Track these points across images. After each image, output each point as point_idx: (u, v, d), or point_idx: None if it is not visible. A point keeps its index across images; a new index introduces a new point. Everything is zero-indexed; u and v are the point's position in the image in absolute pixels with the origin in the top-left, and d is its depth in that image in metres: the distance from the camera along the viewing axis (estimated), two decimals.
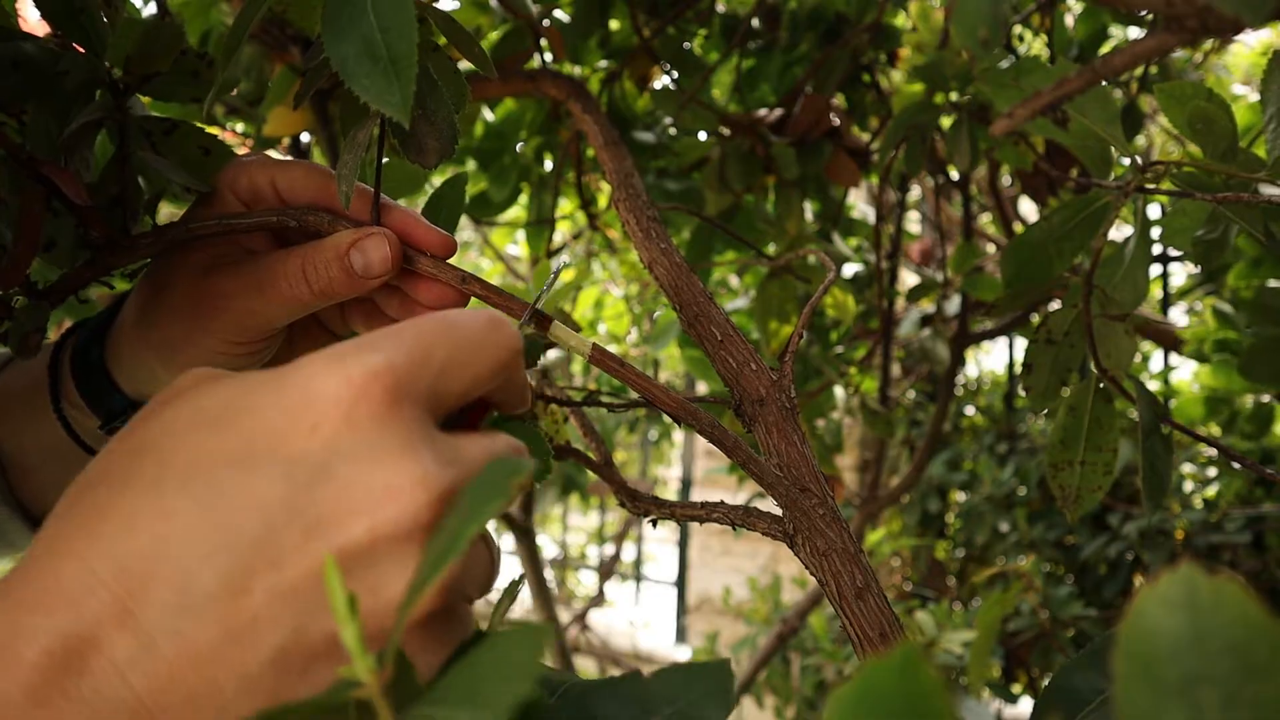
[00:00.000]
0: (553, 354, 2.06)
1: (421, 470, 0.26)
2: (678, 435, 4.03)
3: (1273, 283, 1.02)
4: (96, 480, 0.27)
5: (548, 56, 1.09)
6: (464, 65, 0.50)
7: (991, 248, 1.90)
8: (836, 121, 1.13)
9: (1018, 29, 1.32)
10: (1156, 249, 2.19)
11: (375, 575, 0.26)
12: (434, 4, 0.43)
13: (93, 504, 0.26)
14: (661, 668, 0.30)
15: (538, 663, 0.21)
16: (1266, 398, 1.50)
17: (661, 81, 1.22)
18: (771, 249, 1.20)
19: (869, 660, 0.18)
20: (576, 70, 1.28)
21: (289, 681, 0.25)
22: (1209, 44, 1.61)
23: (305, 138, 1.21)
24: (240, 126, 1.28)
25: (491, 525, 0.30)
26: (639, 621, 4.40)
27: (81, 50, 0.46)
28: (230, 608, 0.24)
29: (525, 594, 2.22)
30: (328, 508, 0.25)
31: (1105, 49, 1.29)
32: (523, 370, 0.33)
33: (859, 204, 2.90)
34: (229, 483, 0.25)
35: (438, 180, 1.51)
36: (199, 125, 0.51)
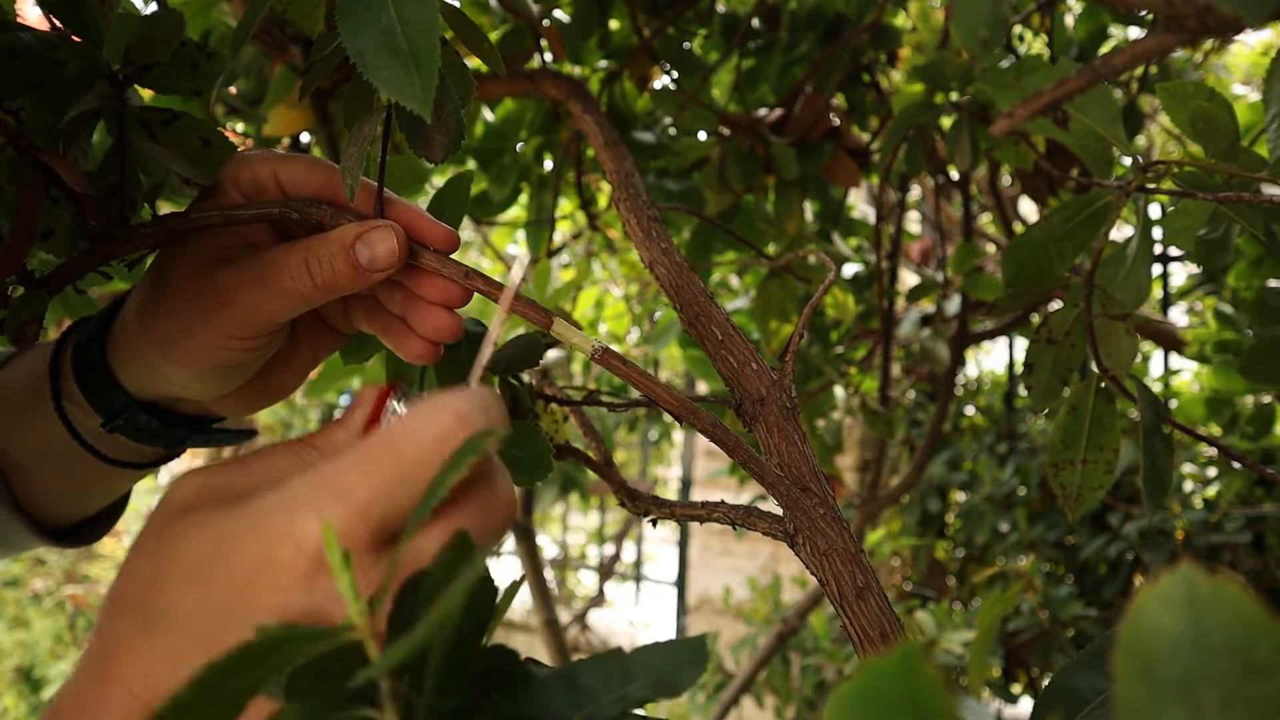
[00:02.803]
0: (553, 354, 2.06)
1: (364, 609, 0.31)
2: (678, 435, 4.03)
3: (1273, 283, 1.02)
4: (122, 611, 0.33)
5: (548, 56, 1.09)
6: (467, 61, 0.50)
7: (991, 248, 1.90)
8: (836, 121, 1.13)
9: (1018, 29, 1.32)
10: (1157, 249, 2.19)
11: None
12: None
13: (124, 636, 0.33)
14: (643, 644, 0.32)
15: None
16: (1268, 398, 1.50)
17: (661, 81, 1.22)
18: (771, 249, 1.20)
19: (869, 660, 0.18)
20: (576, 70, 1.28)
21: None
22: (1209, 44, 1.61)
23: (305, 137, 1.21)
24: (240, 126, 1.29)
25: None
26: (639, 621, 4.40)
27: (79, 40, 0.46)
28: None
29: (525, 594, 2.22)
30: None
31: (1105, 49, 1.29)
32: (500, 484, 0.35)
33: (859, 204, 2.90)
34: (221, 632, 0.31)
35: (438, 180, 1.51)
36: (199, 117, 0.51)
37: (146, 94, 0.51)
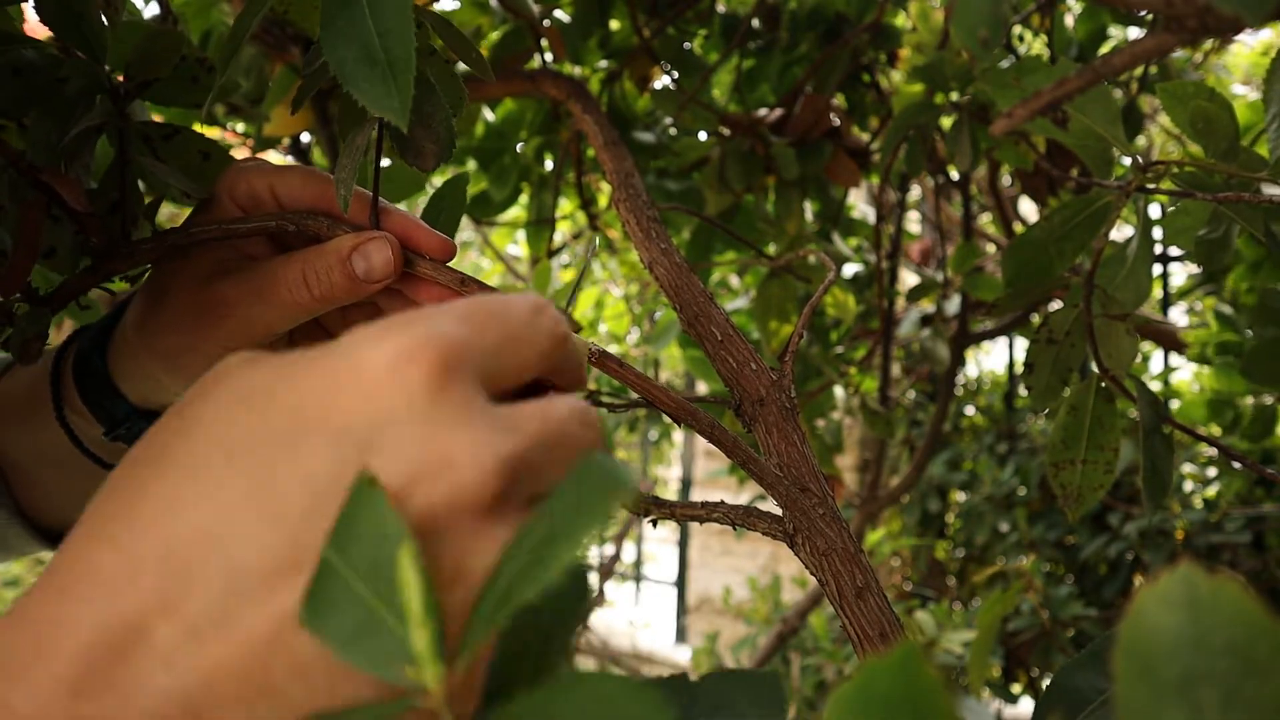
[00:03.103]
0: None
1: (480, 438, 0.24)
2: (678, 435, 4.03)
3: (1274, 285, 1.02)
4: (139, 462, 0.25)
5: (548, 56, 1.09)
6: (461, 67, 0.50)
7: (991, 248, 1.90)
8: (836, 121, 1.13)
9: (1018, 29, 1.32)
10: (1157, 249, 2.19)
11: (440, 550, 0.24)
12: (431, 6, 0.43)
13: (134, 486, 0.25)
14: (710, 673, 0.28)
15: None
16: (1269, 400, 1.50)
17: (661, 82, 1.22)
18: (771, 249, 1.20)
19: (868, 659, 0.18)
20: (577, 70, 1.28)
21: (345, 671, 0.23)
22: (1209, 44, 1.61)
23: (305, 137, 1.21)
24: (241, 126, 1.29)
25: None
26: (639, 621, 4.40)
27: (82, 56, 0.46)
28: (280, 591, 0.23)
29: None
30: (381, 478, 0.24)
31: (1105, 49, 1.29)
32: (576, 351, 0.31)
33: (859, 204, 2.90)
34: (275, 459, 0.24)
35: (438, 181, 1.51)
36: (199, 130, 0.52)
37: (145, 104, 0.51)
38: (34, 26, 0.49)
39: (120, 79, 0.48)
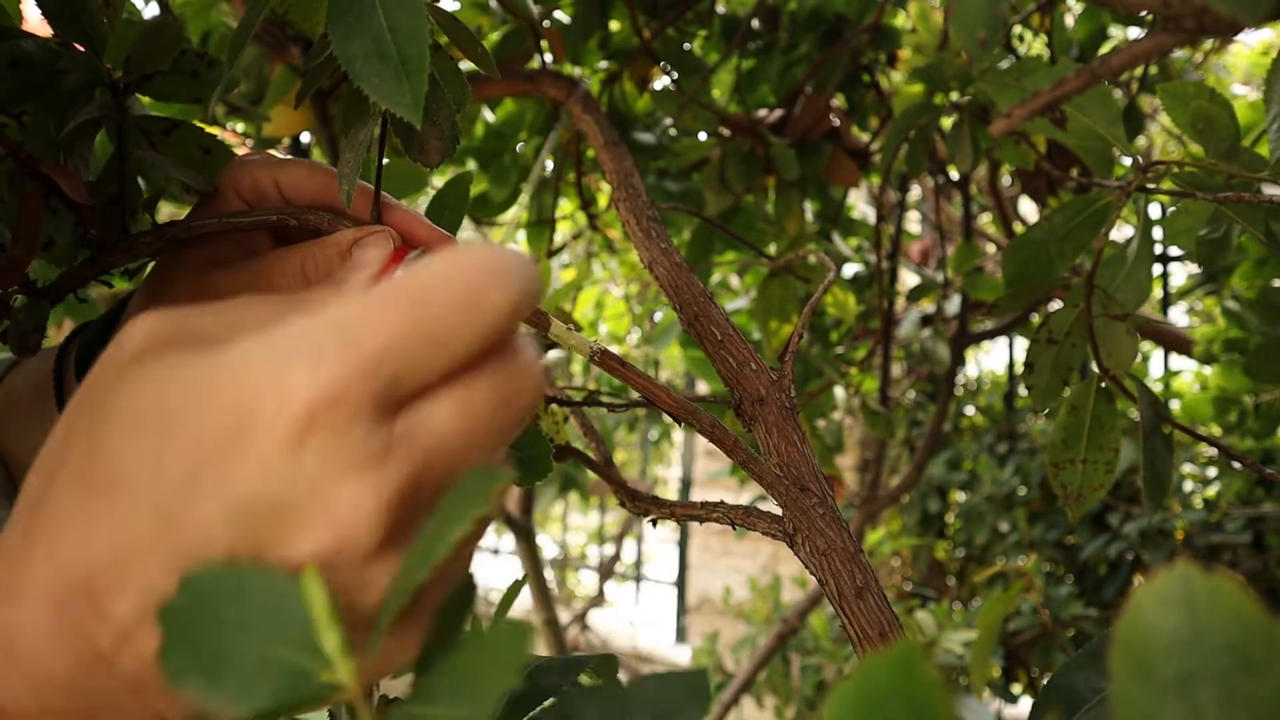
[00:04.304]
0: (553, 354, 2.06)
1: (361, 485, 0.25)
2: (678, 435, 4.03)
3: (1277, 283, 1.02)
4: (52, 474, 0.28)
5: (548, 57, 1.09)
6: (464, 65, 0.50)
7: (991, 248, 1.90)
8: (836, 122, 1.13)
9: (1018, 29, 1.32)
10: (1158, 249, 2.19)
11: (331, 593, 0.25)
12: (436, 3, 0.43)
13: (54, 505, 0.27)
14: (638, 676, 0.30)
15: (524, 655, 0.22)
16: (1272, 398, 1.50)
17: (662, 82, 1.22)
18: (772, 249, 1.20)
19: (868, 659, 0.18)
20: (577, 71, 1.28)
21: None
22: (1209, 44, 1.61)
23: (305, 138, 1.21)
24: (240, 126, 1.29)
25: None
26: (639, 621, 4.40)
27: (81, 49, 0.46)
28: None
29: (525, 594, 2.22)
30: (273, 536, 0.25)
31: (1105, 49, 1.29)
32: (533, 305, 0.28)
33: (859, 204, 2.90)
34: (183, 507, 0.25)
35: (438, 180, 1.51)
36: (199, 125, 0.51)
37: (145, 99, 0.51)
38: (35, 26, 0.49)
39: (119, 74, 0.48)
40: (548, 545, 4.94)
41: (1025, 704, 2.18)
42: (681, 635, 4.18)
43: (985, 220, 2.10)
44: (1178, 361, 2.33)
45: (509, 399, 0.28)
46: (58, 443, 0.28)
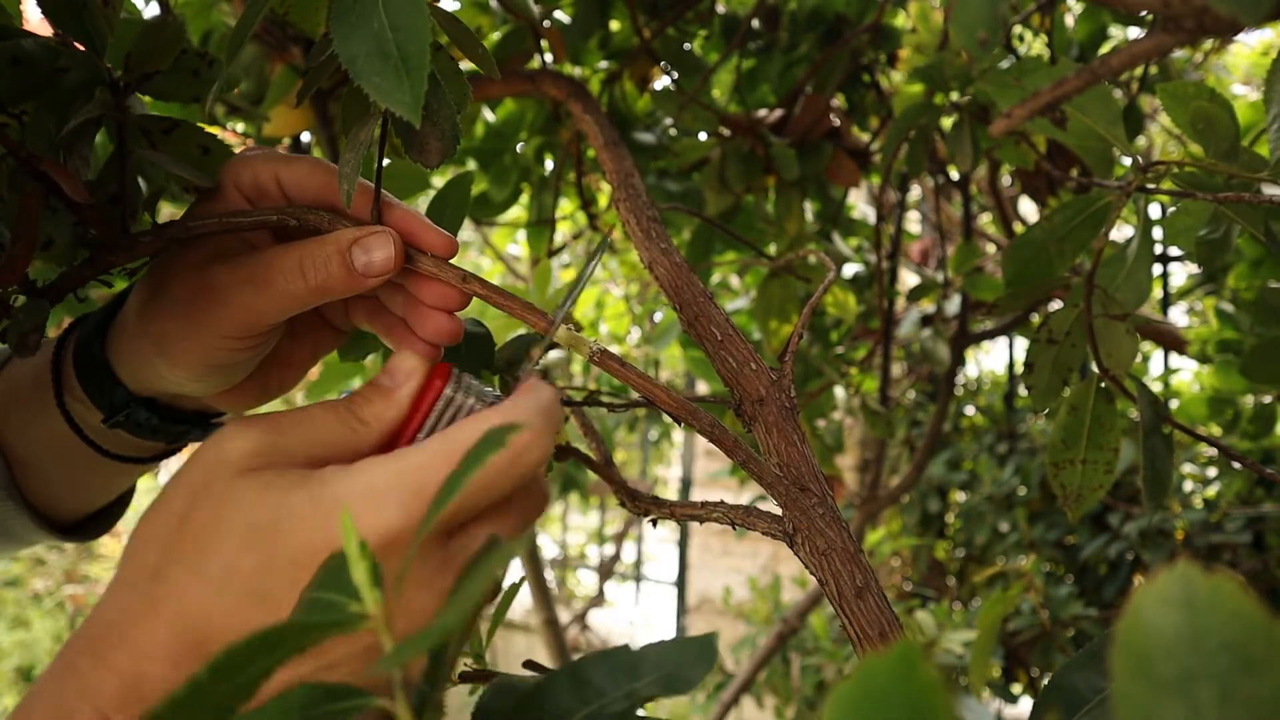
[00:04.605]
0: (553, 354, 2.06)
1: (424, 598, 0.36)
2: (678, 435, 4.03)
3: (1274, 283, 1.02)
4: (170, 555, 0.35)
5: (548, 57, 1.09)
6: (465, 65, 0.50)
7: (991, 248, 1.90)
8: (836, 122, 1.13)
9: (1018, 29, 1.32)
10: (1157, 249, 2.19)
11: None
12: (437, 2, 0.43)
13: (176, 581, 0.35)
14: (651, 642, 0.33)
15: None
16: (1268, 398, 1.50)
17: (662, 82, 1.22)
18: (772, 249, 1.20)
19: (867, 658, 0.18)
20: (577, 71, 1.28)
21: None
22: (1209, 44, 1.61)
23: (305, 138, 1.21)
24: (240, 126, 1.29)
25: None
26: (639, 621, 4.40)
27: (81, 48, 0.46)
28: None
29: (525, 593, 2.22)
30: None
31: (1105, 49, 1.29)
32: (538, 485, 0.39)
33: (859, 204, 2.90)
34: (285, 600, 0.34)
35: (439, 180, 1.51)
36: (199, 124, 0.51)
37: (145, 98, 0.51)
38: (35, 26, 0.49)
39: (120, 73, 0.48)
40: (548, 545, 4.94)
41: (1025, 704, 2.18)
42: (681, 635, 4.18)
43: (985, 220, 2.10)
44: (1178, 362, 2.33)
45: (529, 520, 0.38)
46: (168, 528, 0.36)
